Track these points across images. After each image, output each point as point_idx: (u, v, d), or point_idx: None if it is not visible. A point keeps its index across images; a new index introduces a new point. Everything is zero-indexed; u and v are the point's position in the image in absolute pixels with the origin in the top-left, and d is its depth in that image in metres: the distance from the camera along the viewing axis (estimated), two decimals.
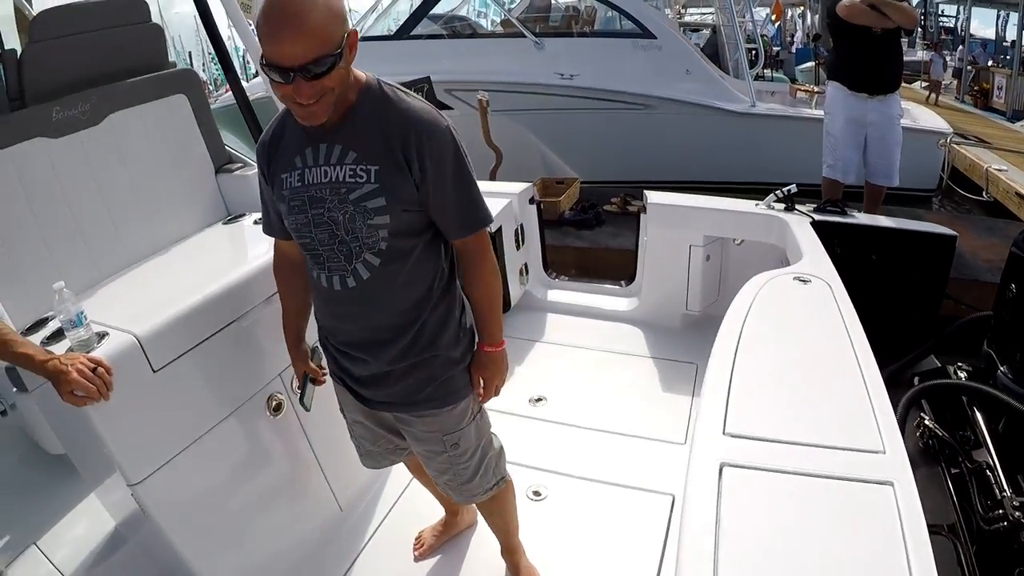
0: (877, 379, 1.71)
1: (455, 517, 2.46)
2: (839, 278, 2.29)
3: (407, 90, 1.64)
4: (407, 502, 2.65)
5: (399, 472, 2.73)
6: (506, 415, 3.08)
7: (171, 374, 1.86)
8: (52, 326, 1.95)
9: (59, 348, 1.75)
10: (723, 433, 1.54)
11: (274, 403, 2.20)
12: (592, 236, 5.52)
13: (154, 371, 1.82)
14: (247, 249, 2.50)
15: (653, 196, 3.63)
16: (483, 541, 2.42)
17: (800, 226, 3.00)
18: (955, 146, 8.09)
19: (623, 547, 2.38)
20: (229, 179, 2.93)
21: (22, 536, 2.52)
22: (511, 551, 2.29)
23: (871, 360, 1.79)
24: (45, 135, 2.26)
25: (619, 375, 3.41)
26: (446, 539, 2.45)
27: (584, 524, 2.49)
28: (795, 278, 2.30)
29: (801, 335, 2.00)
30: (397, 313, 1.70)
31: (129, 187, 2.50)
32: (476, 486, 1.98)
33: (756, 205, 3.32)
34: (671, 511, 2.48)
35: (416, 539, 2.46)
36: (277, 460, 2.27)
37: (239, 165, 3.03)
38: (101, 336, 1.79)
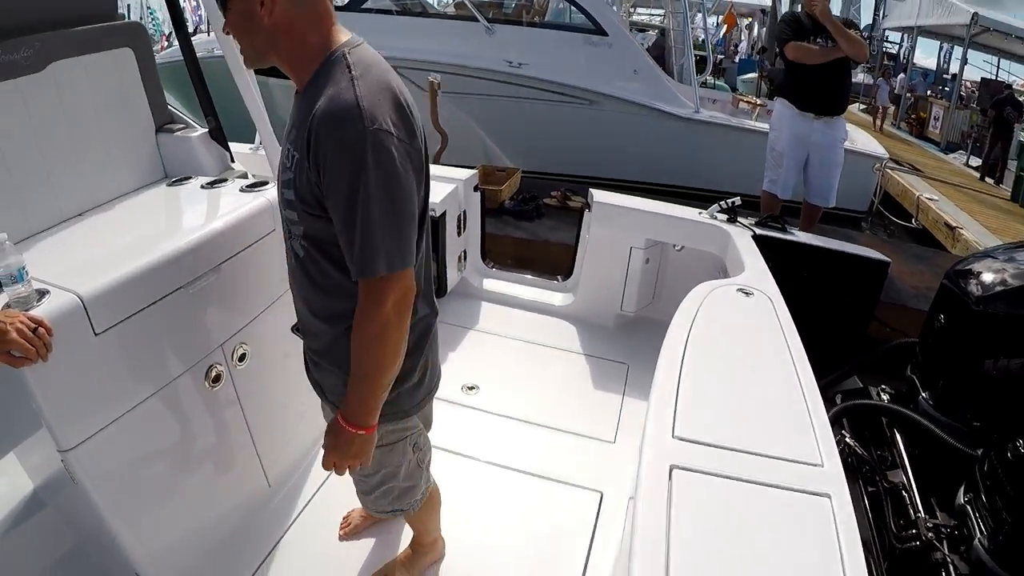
0: (816, 394, 1.80)
1: (432, 546, 2.35)
2: (780, 293, 2.39)
3: (377, 70, 1.42)
4: (336, 481, 2.61)
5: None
6: (439, 401, 3.09)
7: (113, 338, 1.80)
8: None
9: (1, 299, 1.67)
10: (672, 436, 1.60)
11: (214, 373, 2.17)
12: (531, 228, 5.57)
13: (96, 334, 1.76)
14: (195, 213, 2.43)
15: (599, 195, 3.69)
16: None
17: (742, 238, 3.11)
18: (889, 171, 8.48)
19: (550, 541, 2.45)
20: (169, 139, 2.84)
21: None
22: (416, 545, 2.29)
23: (811, 375, 1.88)
24: None
25: (552, 369, 3.48)
26: (373, 522, 2.46)
27: (512, 516, 2.54)
28: (738, 290, 2.39)
29: (745, 346, 2.09)
30: (315, 316, 1.63)
31: (67, 138, 2.40)
32: (372, 503, 1.96)
33: (700, 214, 3.42)
34: (599, 508, 2.56)
35: (344, 518, 2.47)
36: (210, 432, 2.23)
37: (181, 126, 2.94)
38: (41, 294, 1.71)
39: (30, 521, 2.32)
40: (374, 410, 1.50)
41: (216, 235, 2.11)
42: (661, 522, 1.34)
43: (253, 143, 4.33)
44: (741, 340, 2.13)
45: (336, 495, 2.58)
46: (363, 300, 1.40)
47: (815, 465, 1.52)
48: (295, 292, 1.68)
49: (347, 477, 2.52)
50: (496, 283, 4.24)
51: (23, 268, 1.65)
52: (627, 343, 3.65)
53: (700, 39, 12.39)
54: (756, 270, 2.69)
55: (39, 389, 1.66)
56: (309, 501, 2.57)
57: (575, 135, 8.02)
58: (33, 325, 1.58)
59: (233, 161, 3.12)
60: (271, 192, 2.36)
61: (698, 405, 1.74)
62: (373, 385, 1.46)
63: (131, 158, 2.67)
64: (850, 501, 1.42)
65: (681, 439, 1.59)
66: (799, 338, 2.07)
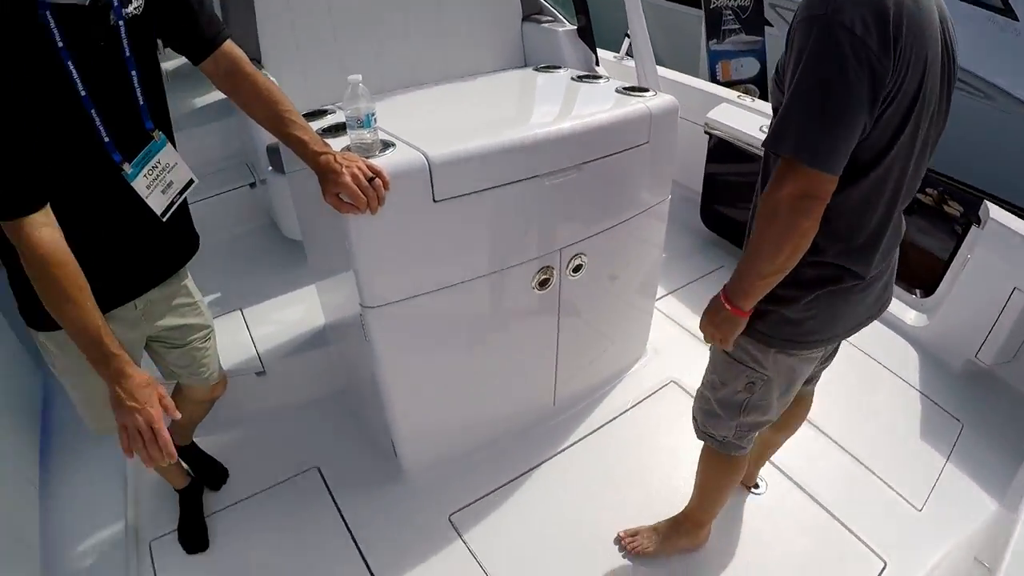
0: None
1: (695, 528, 2.07)
2: None
3: None
4: (616, 427, 2.47)
5: (620, 394, 2.60)
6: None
7: (451, 210, 1.73)
8: (331, 119, 1.88)
9: (334, 144, 1.66)
10: None
11: (542, 277, 2.05)
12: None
13: (435, 201, 1.69)
14: (563, 104, 2.29)
15: (999, 214, 2.89)
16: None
17: None
18: None
19: None
20: (535, 29, 2.75)
21: (233, 299, 2.66)
22: (683, 518, 2.07)
23: None
24: None
25: (878, 394, 2.89)
26: (662, 551, 2.08)
27: (789, 540, 2.15)
28: None
29: None
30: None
31: (435, 10, 2.38)
32: (696, 399, 1.87)
33: None
34: None
35: (627, 533, 2.12)
36: (517, 335, 2.15)
37: (548, 19, 2.82)
38: (386, 145, 1.67)
39: (311, 353, 2.47)
40: (745, 293, 1.47)
41: (587, 131, 1.92)
42: None
43: (619, 52, 4.15)
44: None
45: (613, 439, 2.41)
46: (771, 176, 1.34)
47: None
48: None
49: (630, 425, 2.43)
50: None
51: (372, 114, 1.60)
52: (969, 399, 2.88)
53: None
54: None
55: (359, 240, 1.64)
56: (584, 437, 2.41)
57: (962, 130, 6.51)
58: (371, 174, 1.53)
59: (598, 64, 2.95)
60: (654, 101, 2.11)
61: None
62: (748, 266, 1.43)
63: (493, 39, 2.62)
64: None
65: None
66: None
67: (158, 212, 1.52)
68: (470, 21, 2.52)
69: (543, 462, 2.30)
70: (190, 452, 2.30)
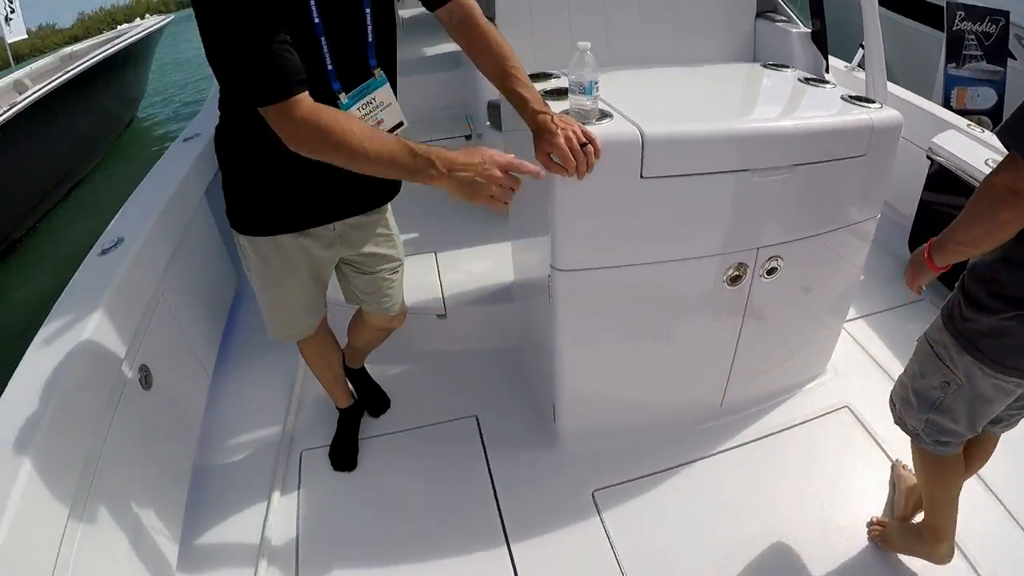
0: None
1: (933, 537, 1.91)
2: None
3: None
4: (777, 441, 2.36)
5: (787, 410, 2.48)
6: None
7: (657, 188, 1.71)
8: (554, 83, 1.90)
9: (555, 108, 1.67)
10: None
11: (735, 273, 1.99)
12: None
13: (642, 177, 1.68)
14: (786, 103, 2.19)
15: None
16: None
17: None
18: None
19: None
20: (767, 27, 2.65)
21: (430, 241, 2.76)
22: (922, 524, 1.93)
23: None
24: None
25: None
26: (904, 550, 2.00)
27: None
28: None
29: None
30: None
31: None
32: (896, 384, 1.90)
33: None
34: None
35: (877, 520, 2.07)
36: (699, 325, 2.11)
37: (783, 19, 2.69)
38: (603, 115, 1.68)
39: (496, 306, 2.53)
40: (941, 249, 1.56)
41: (803, 133, 1.84)
42: None
43: (851, 62, 3.91)
44: None
45: (773, 452, 2.32)
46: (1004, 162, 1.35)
47: None
48: None
49: (778, 446, 2.33)
50: None
51: (595, 82, 1.61)
52: None
53: None
54: None
55: (561, 201, 1.67)
56: (744, 444, 2.33)
57: None
58: (584, 140, 1.53)
59: (828, 71, 2.79)
60: (878, 115, 1.98)
61: None
62: (952, 227, 1.50)
63: (724, 31, 2.56)
64: None
65: None
66: None
67: None
68: (704, 9, 2.47)
69: (697, 459, 2.25)
70: (359, 376, 2.44)
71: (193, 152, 3.00)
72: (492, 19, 2.42)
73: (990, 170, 1.37)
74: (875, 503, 2.13)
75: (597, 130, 1.61)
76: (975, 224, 1.43)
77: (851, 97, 2.08)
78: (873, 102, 2.05)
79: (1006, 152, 1.33)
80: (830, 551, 2.00)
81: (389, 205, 1.90)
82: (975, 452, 1.87)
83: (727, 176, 1.77)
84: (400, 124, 1.66)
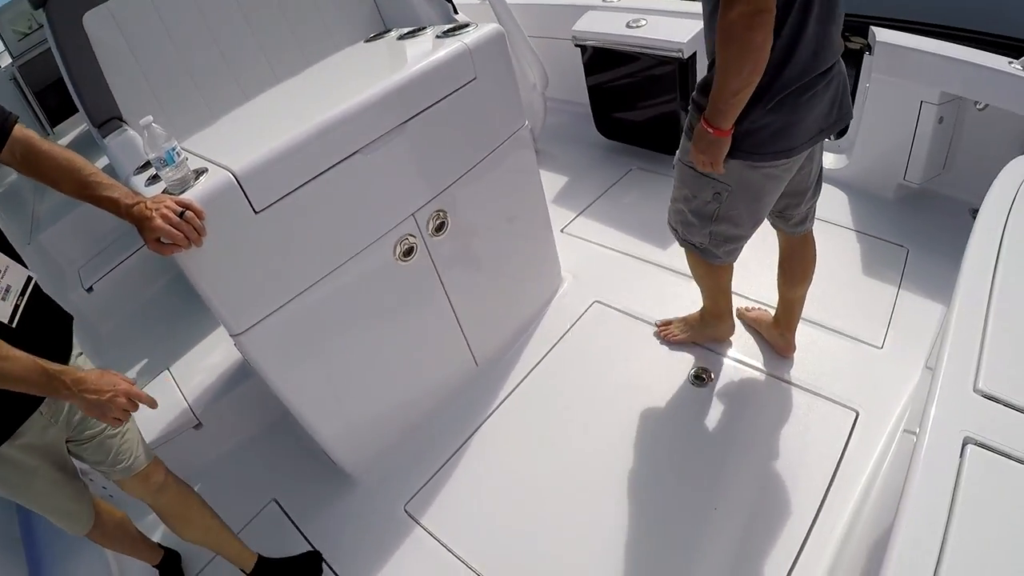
0: None
1: (715, 319, 2.36)
2: None
3: None
4: (549, 364, 2.45)
5: (544, 331, 2.57)
6: (682, 276, 2.72)
7: (277, 215, 1.65)
8: (148, 172, 1.78)
9: (157, 189, 1.58)
10: (973, 389, 1.09)
11: (404, 246, 1.98)
12: None
13: (256, 212, 1.61)
14: (380, 68, 2.19)
15: (885, 34, 2.84)
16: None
17: None
18: None
19: (790, 457, 2.03)
20: None
21: (159, 360, 2.60)
22: (704, 312, 2.38)
23: None
24: None
25: (819, 246, 2.88)
26: (692, 339, 2.42)
27: (750, 422, 2.15)
28: None
29: None
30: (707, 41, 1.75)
31: (277, 7, 2.27)
32: (670, 211, 2.05)
33: (1010, 63, 2.50)
34: (851, 429, 2.06)
35: (661, 322, 2.49)
36: (405, 310, 2.09)
37: None
38: (199, 173, 1.59)
39: (238, 390, 2.42)
40: (722, 113, 1.61)
41: (395, 90, 1.82)
42: (938, 520, 0.92)
43: None
44: None
45: (550, 373, 2.41)
46: (720, 4, 1.46)
47: None
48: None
49: (556, 361, 2.45)
50: None
51: (173, 149, 1.53)
52: (909, 221, 2.88)
53: None
54: None
55: (200, 274, 1.58)
56: (520, 383, 2.39)
57: None
58: (179, 209, 1.47)
59: (456, 12, 2.86)
60: (472, 35, 2.02)
61: (1014, 348, 1.16)
62: (720, 88, 1.57)
63: (346, 14, 2.50)
64: None
65: (985, 395, 1.07)
66: None
67: (4, 320, 1.43)
68: (318, 8, 2.40)
69: (482, 423, 2.28)
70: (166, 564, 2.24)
71: None
72: (119, 119, 2.14)
73: (720, 13, 1.45)
74: (654, 366, 2.37)
75: (194, 191, 1.53)
76: (740, 66, 1.52)
77: (445, 32, 2.10)
78: (467, 25, 2.09)
79: None
80: (641, 432, 2.17)
81: (78, 357, 1.72)
82: (796, 264, 2.16)
83: (337, 168, 1.74)
84: (29, 279, 1.52)
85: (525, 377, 2.40)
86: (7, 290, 1.46)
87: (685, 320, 2.44)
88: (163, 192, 1.55)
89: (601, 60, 3.40)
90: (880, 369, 2.24)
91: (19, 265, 1.51)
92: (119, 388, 1.47)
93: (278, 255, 1.71)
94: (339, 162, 1.74)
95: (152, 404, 1.55)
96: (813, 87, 1.64)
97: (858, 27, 3.22)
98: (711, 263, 2.07)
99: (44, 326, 1.58)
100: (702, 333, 2.40)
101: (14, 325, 1.45)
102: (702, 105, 1.68)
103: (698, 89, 1.73)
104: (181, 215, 1.46)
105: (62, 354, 1.62)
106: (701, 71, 3.15)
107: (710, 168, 1.75)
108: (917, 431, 1.06)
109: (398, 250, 1.97)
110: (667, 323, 2.46)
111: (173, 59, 2.08)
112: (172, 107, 2.10)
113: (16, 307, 1.47)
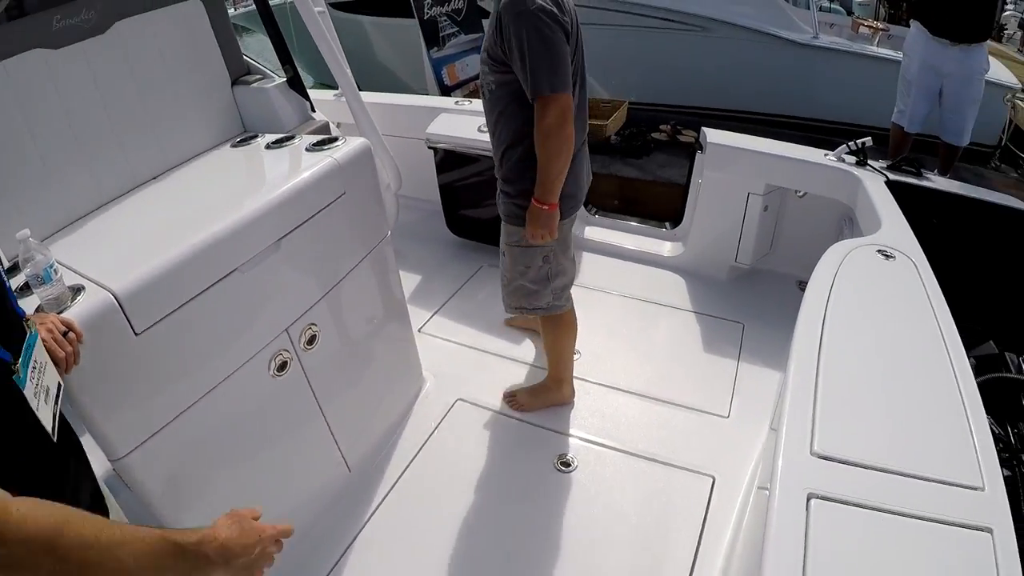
0: (973, 390, 1.50)
1: (557, 385, 2.66)
2: (923, 254, 2.03)
3: None
4: (420, 461, 2.50)
5: (412, 433, 2.62)
6: (536, 368, 2.87)
7: (158, 336, 1.62)
8: (15, 280, 1.69)
9: (32, 301, 1.51)
10: (811, 453, 1.34)
11: (279, 361, 1.98)
12: (639, 165, 5.14)
13: (137, 334, 1.57)
14: (253, 180, 2.23)
15: (713, 135, 3.26)
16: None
17: (874, 185, 2.67)
18: (1020, 102, 7.28)
19: (657, 527, 2.21)
20: (246, 92, 2.65)
21: None
22: (548, 379, 2.69)
23: (966, 365, 1.57)
24: (44, 45, 1.99)
25: (659, 330, 3.16)
26: (539, 405, 2.67)
27: (616, 501, 2.31)
28: (878, 251, 2.04)
29: (891, 327, 1.75)
30: (501, 143, 2.16)
31: (137, 101, 2.24)
32: (507, 296, 2.45)
33: (825, 155, 2.97)
34: (710, 493, 2.29)
35: (507, 393, 2.73)
36: (280, 423, 2.08)
37: (258, 77, 2.74)
38: (76, 291, 1.53)
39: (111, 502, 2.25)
40: (553, 191, 2.05)
41: (273, 207, 1.87)
42: (796, 566, 1.13)
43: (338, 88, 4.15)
44: (886, 320, 1.78)
45: (421, 474, 2.45)
46: (536, 113, 1.96)
47: (975, 489, 1.27)
48: (493, 141, 2.23)
49: (430, 457, 2.53)
50: (599, 231, 3.89)
51: (51, 266, 1.47)
52: (742, 299, 3.28)
53: None
54: (896, 226, 2.29)
55: (81, 396, 1.51)
56: (394, 484, 2.41)
57: (685, 63, 7.27)
58: (64, 328, 1.40)
59: (314, 111, 2.94)
60: (342, 150, 2.11)
61: (841, 410, 1.46)
62: (546, 174, 2.02)
63: (208, 115, 2.49)
64: (1014, 536, 1.17)
65: (821, 457, 1.34)
66: (949, 313, 1.75)
67: (48, 429, 1.13)
68: (175, 102, 2.35)
69: (361, 528, 2.26)
70: None
71: None
72: None
73: (536, 121, 1.94)
74: (521, 458, 2.49)
75: (73, 312, 1.47)
76: (559, 156, 1.98)
77: (315, 145, 2.17)
78: (336, 140, 2.18)
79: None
80: (515, 522, 2.27)
81: None
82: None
83: (219, 286, 1.74)
84: (60, 386, 1.24)
85: (398, 480, 2.42)
86: (48, 392, 1.18)
87: (530, 389, 2.72)
88: (36, 310, 1.47)
89: (452, 161, 3.59)
90: (729, 436, 2.50)
91: (53, 365, 1.27)
92: (265, 536, 1.19)
93: (159, 375, 1.66)
94: (218, 280, 1.74)
95: (289, 532, 1.25)
96: (582, 149, 2.21)
97: (689, 121, 3.65)
98: (560, 313, 2.44)
99: (73, 442, 1.31)
100: (547, 398, 2.68)
101: (55, 438, 1.16)
102: (512, 193, 2.16)
103: (505, 182, 2.20)
104: (65, 335, 1.40)
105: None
106: None
107: (547, 238, 2.12)
108: (768, 488, 1.28)
109: (272, 365, 1.97)
110: (512, 394, 2.72)
111: (23, 136, 1.98)
112: (17, 193, 1.96)
113: (54, 416, 1.18)
